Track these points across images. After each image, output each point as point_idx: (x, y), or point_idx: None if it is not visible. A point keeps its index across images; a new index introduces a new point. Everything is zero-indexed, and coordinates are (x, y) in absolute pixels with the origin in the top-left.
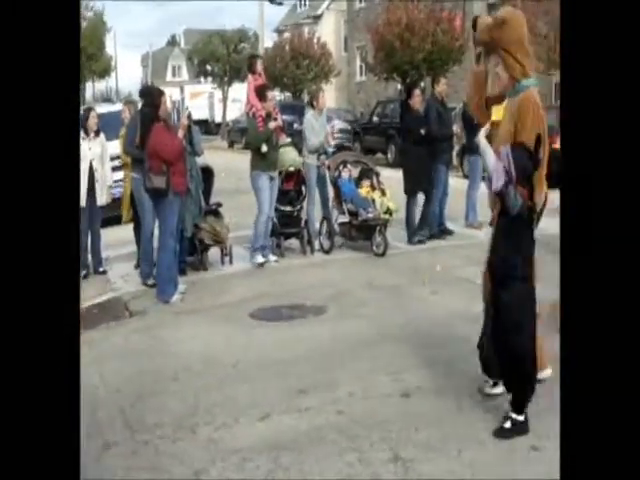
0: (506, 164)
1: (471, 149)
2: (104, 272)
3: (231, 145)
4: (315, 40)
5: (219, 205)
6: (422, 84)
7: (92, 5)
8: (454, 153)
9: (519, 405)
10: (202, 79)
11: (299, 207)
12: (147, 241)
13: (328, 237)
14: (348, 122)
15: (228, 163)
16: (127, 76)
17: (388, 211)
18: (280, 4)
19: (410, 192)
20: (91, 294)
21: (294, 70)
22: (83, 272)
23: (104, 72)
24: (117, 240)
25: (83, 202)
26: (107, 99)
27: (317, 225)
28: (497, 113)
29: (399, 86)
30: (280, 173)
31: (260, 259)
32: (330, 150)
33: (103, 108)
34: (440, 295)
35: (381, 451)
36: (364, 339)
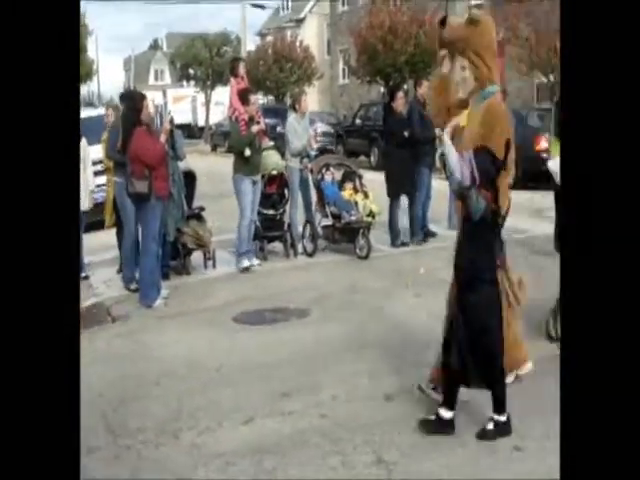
0: (469, 168)
1: None
2: (86, 277)
3: (214, 149)
4: (298, 43)
5: (202, 209)
6: (405, 87)
7: None
8: (437, 155)
9: (499, 405)
10: (185, 83)
11: (282, 210)
12: (129, 246)
13: (311, 240)
14: (331, 125)
15: (211, 167)
16: (109, 80)
17: (371, 214)
18: (263, 8)
19: (393, 195)
20: None
21: (277, 73)
22: None
23: (86, 76)
24: (100, 245)
25: None
26: (89, 103)
27: (300, 228)
28: (463, 118)
29: (382, 89)
30: (263, 176)
31: (246, 263)
32: (313, 153)
33: (85, 112)
34: (423, 297)
35: (364, 454)
36: (347, 342)
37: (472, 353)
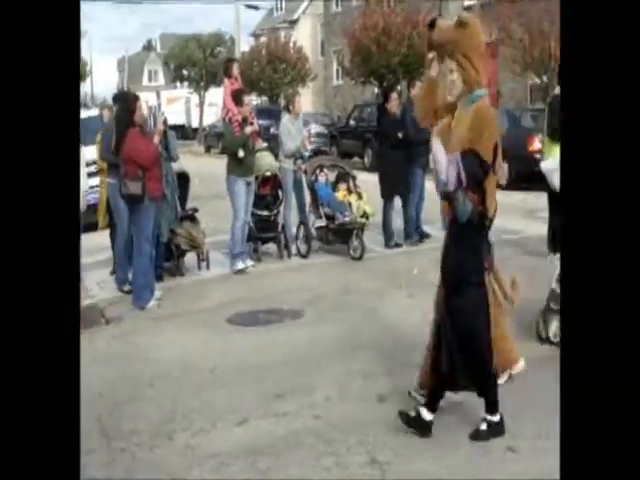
0: (456, 170)
1: None
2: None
3: (208, 150)
4: (292, 44)
5: (195, 210)
6: (399, 88)
7: None
8: (430, 156)
9: (491, 406)
10: (178, 84)
11: (276, 212)
12: (123, 247)
13: (305, 241)
14: (325, 126)
15: (204, 168)
16: (103, 81)
17: (365, 215)
18: (256, 8)
19: (387, 196)
20: None
21: (271, 74)
22: None
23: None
24: (93, 246)
25: None
26: (83, 104)
27: (294, 229)
28: (451, 121)
29: (376, 90)
30: (256, 178)
31: (240, 265)
32: (306, 154)
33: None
34: (417, 298)
35: (358, 455)
36: (341, 343)
37: (461, 356)
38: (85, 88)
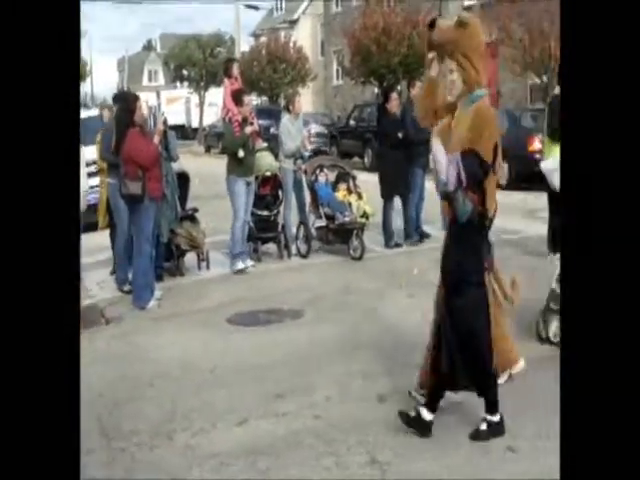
0: (455, 170)
1: None
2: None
3: (208, 150)
4: (292, 44)
5: (195, 210)
6: (399, 88)
7: None
8: (430, 156)
9: (491, 406)
10: (178, 84)
11: (276, 212)
12: (123, 247)
13: (305, 241)
14: (325, 126)
15: (204, 168)
16: (103, 81)
17: (365, 215)
18: (256, 9)
19: (387, 196)
20: None
21: (271, 74)
22: None
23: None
24: (93, 246)
25: None
26: (83, 104)
27: (294, 229)
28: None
29: (376, 90)
30: (256, 178)
31: (240, 265)
32: (306, 154)
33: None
34: (417, 298)
35: (358, 455)
36: (341, 343)
37: (461, 356)
38: (85, 88)
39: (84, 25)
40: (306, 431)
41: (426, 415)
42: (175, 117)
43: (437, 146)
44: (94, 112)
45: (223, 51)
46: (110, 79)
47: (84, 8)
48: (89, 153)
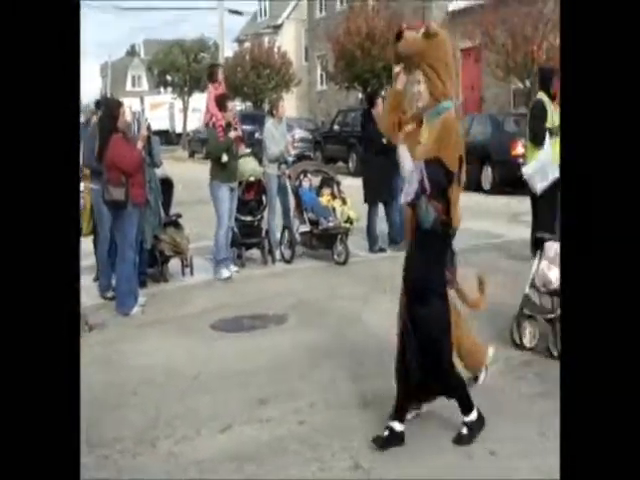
0: (419, 177)
1: None
2: None
3: (192, 155)
4: (276, 49)
5: (179, 216)
6: (383, 93)
7: None
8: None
9: (464, 406)
10: (162, 89)
11: (260, 217)
12: (105, 253)
13: (289, 246)
14: (309, 131)
15: (188, 173)
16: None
17: (349, 220)
18: (240, 14)
19: (371, 201)
20: None
21: (255, 80)
22: None
23: None
24: None
25: None
26: None
27: (278, 235)
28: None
29: (360, 95)
30: (240, 183)
31: (226, 273)
32: (290, 159)
33: None
34: None
35: (342, 460)
36: (325, 348)
37: (423, 364)
38: None
39: None
40: (290, 437)
41: (397, 427)
42: (159, 122)
43: (404, 153)
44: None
45: (207, 56)
46: (93, 84)
47: None
48: None
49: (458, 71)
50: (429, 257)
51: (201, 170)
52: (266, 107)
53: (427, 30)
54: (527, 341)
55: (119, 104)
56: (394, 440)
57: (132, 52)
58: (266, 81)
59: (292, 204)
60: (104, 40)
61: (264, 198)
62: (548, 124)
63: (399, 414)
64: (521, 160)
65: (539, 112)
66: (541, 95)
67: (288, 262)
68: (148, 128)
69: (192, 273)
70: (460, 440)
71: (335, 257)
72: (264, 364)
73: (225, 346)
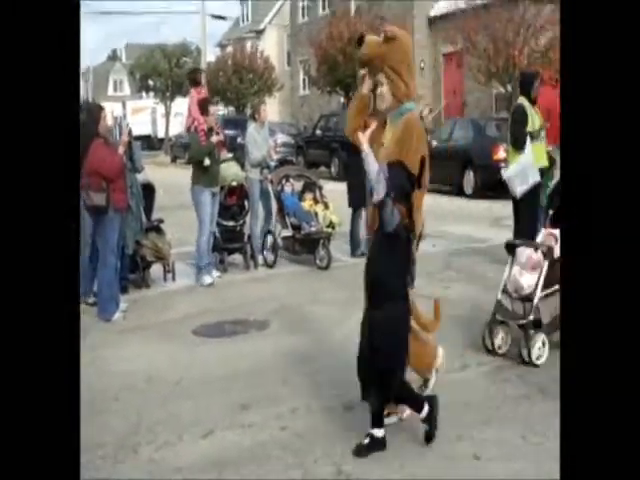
0: (385, 179)
1: None
2: None
3: (174, 160)
4: (258, 54)
5: (161, 221)
6: None
7: None
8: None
9: (377, 420)
10: (144, 94)
11: (242, 222)
12: (87, 259)
13: (272, 251)
14: (291, 136)
15: (170, 178)
16: None
17: (331, 224)
18: (223, 18)
19: (355, 206)
20: None
21: (237, 84)
22: None
23: None
24: None
25: None
26: None
27: (260, 240)
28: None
29: (342, 99)
30: (222, 188)
31: (208, 279)
32: (273, 164)
33: None
34: None
35: (325, 466)
36: (307, 353)
37: (374, 366)
38: None
39: None
40: (272, 442)
41: (377, 433)
42: (141, 127)
43: (369, 155)
44: None
45: (189, 61)
46: None
47: None
48: None
49: (440, 75)
50: (391, 261)
51: (183, 175)
52: (248, 112)
53: (386, 34)
54: (497, 347)
55: (100, 109)
56: (376, 446)
57: (114, 56)
58: (248, 86)
59: (274, 209)
60: (85, 44)
61: (246, 203)
62: (529, 128)
63: (376, 420)
64: (503, 164)
65: (520, 116)
66: (522, 100)
67: (270, 267)
68: (129, 133)
69: (174, 278)
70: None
71: (317, 262)
72: (246, 369)
73: (207, 351)
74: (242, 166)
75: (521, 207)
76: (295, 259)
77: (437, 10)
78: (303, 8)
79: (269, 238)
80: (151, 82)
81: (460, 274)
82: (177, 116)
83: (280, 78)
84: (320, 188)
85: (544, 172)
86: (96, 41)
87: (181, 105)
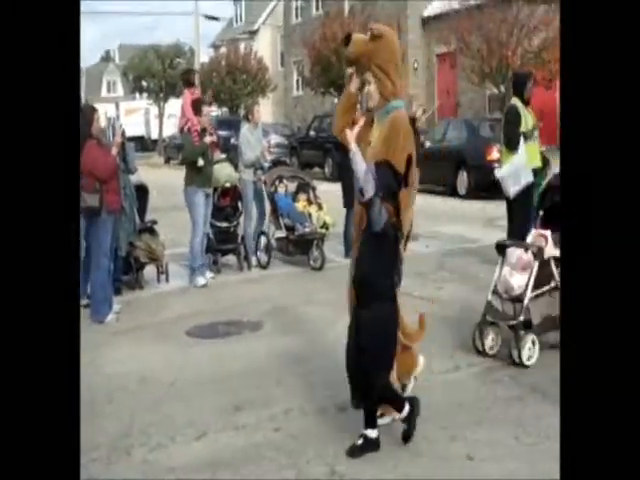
0: (373, 178)
1: None
2: None
3: (167, 161)
4: (252, 55)
5: (154, 222)
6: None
7: None
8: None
9: (371, 421)
10: (137, 95)
11: (235, 223)
12: (81, 261)
13: (265, 252)
14: (285, 137)
15: (163, 179)
16: None
17: (325, 225)
18: (216, 19)
19: (349, 206)
20: None
21: (230, 85)
22: None
23: None
24: None
25: None
26: None
27: (254, 241)
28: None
29: (336, 100)
30: (215, 189)
31: (202, 281)
32: (266, 165)
33: None
34: None
35: (318, 466)
36: (300, 354)
37: (363, 367)
38: None
39: None
40: (266, 443)
41: (371, 434)
42: (134, 128)
43: (356, 154)
44: None
45: (182, 62)
46: None
47: None
48: None
49: (434, 76)
50: (379, 260)
51: (176, 176)
52: (242, 112)
53: (373, 32)
54: (488, 348)
55: (93, 110)
56: (369, 447)
57: (107, 57)
58: (242, 86)
59: (268, 210)
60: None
61: (240, 204)
62: (522, 128)
63: (370, 420)
64: (496, 165)
65: (513, 117)
66: (515, 100)
67: (264, 268)
68: (123, 134)
69: (167, 280)
70: (406, 438)
71: (311, 263)
72: (239, 370)
73: (200, 353)
74: (235, 167)
75: (514, 207)
76: (289, 260)
77: (431, 10)
78: (296, 9)
79: (263, 239)
80: (144, 83)
81: (453, 274)
82: (171, 117)
83: (274, 79)
84: (314, 189)
85: (537, 172)
86: (89, 42)
87: (175, 106)
